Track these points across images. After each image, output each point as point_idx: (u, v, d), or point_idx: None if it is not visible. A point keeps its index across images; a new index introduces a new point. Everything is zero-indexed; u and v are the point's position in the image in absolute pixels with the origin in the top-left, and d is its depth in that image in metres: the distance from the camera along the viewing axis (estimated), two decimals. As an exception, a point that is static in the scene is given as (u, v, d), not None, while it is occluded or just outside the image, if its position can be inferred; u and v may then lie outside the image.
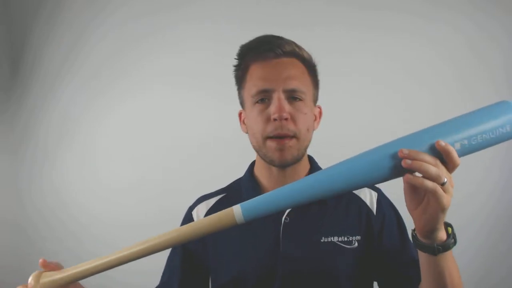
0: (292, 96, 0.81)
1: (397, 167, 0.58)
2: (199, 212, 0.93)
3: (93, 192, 2.14)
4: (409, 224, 0.86)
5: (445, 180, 0.56)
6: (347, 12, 1.80)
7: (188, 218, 0.95)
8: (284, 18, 1.84)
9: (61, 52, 2.23)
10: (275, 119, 0.78)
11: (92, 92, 2.17)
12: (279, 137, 0.79)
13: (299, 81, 0.82)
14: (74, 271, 0.67)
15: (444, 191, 0.57)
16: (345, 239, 0.83)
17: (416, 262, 0.72)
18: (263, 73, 0.82)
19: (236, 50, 0.87)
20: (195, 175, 1.91)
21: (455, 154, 0.57)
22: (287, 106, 0.79)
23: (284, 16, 1.85)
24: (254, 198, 0.64)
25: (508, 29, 1.65)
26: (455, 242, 0.63)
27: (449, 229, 0.64)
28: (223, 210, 0.64)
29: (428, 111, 1.69)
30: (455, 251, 0.65)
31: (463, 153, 0.59)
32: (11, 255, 2.27)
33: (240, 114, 0.93)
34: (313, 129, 0.87)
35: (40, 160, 2.27)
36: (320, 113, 0.92)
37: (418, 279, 0.72)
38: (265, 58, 0.82)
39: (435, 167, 0.56)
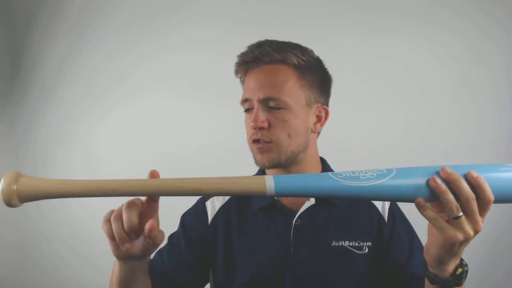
0: (270, 105, 0.80)
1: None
2: (215, 203, 0.92)
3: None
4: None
5: (460, 214, 0.54)
6: (346, 14, 1.80)
7: (200, 209, 0.92)
8: (284, 21, 1.84)
9: (61, 53, 2.23)
10: (254, 127, 0.80)
11: (92, 93, 2.17)
12: (258, 141, 0.82)
13: (279, 89, 0.80)
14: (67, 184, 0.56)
15: (454, 225, 0.54)
16: (356, 244, 0.81)
17: (418, 280, 0.71)
18: (249, 82, 0.84)
19: (235, 52, 0.87)
20: (195, 176, 1.91)
21: (486, 187, 0.53)
22: (263, 115, 0.80)
23: (284, 18, 1.85)
24: (289, 175, 0.61)
25: (508, 30, 1.65)
26: (458, 284, 0.60)
27: (459, 270, 0.60)
28: (253, 176, 0.62)
29: (428, 111, 1.70)
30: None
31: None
32: (12, 254, 2.28)
33: None
34: (307, 132, 0.84)
35: (41, 161, 2.28)
36: (326, 114, 0.88)
37: None
38: (253, 67, 0.83)
39: (452, 196, 0.53)
